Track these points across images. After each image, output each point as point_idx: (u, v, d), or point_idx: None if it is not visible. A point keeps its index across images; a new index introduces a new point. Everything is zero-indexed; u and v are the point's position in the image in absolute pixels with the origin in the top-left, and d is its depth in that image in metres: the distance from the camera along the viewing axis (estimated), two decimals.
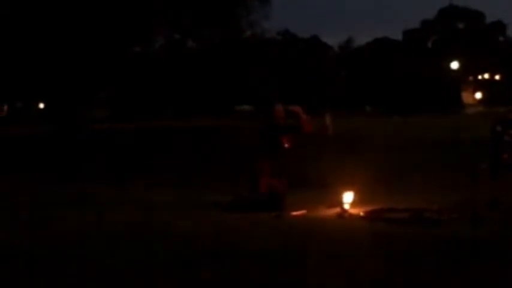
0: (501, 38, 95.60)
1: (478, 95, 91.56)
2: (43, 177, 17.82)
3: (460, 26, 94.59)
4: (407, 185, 14.15)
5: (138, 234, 9.28)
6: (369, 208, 10.63)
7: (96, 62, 33.70)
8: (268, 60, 73.58)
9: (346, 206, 10.63)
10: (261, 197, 11.33)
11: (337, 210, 10.60)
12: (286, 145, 11.75)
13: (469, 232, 8.88)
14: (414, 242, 8.38)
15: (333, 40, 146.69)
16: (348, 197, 10.70)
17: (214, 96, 70.71)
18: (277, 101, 12.56)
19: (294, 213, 10.67)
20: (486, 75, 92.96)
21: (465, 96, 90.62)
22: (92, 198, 13.12)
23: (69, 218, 10.76)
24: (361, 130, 33.65)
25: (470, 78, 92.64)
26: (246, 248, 8.18)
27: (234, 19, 37.62)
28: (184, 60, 46.82)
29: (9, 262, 7.62)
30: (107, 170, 19.48)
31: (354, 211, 10.55)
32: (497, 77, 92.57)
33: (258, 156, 11.81)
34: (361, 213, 10.41)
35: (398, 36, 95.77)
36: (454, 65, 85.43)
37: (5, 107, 64.63)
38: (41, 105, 61.50)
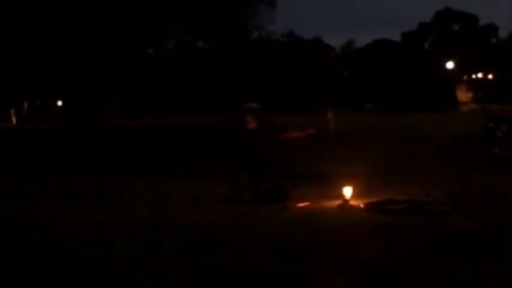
0: (494, 40, 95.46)
1: (472, 94, 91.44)
2: (61, 171, 17.85)
3: (456, 28, 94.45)
4: (405, 178, 14.12)
5: (152, 224, 9.33)
6: (368, 200, 10.63)
7: (111, 63, 33.76)
8: (269, 60, 73.59)
9: (347, 198, 10.64)
10: (265, 190, 11.31)
11: (339, 202, 10.62)
12: (261, 151, 11.53)
13: (463, 222, 8.88)
14: (411, 232, 8.38)
15: (334, 41, 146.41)
16: (348, 190, 10.71)
17: (222, 95, 70.74)
18: (247, 112, 12.20)
19: (299, 205, 10.69)
20: (480, 75, 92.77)
21: (460, 95, 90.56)
22: (108, 192, 13.15)
23: (86, 209, 10.83)
24: (361, 127, 33.62)
25: (465, 77, 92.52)
26: (253, 237, 8.22)
27: (242, 22, 37.61)
28: (194, 60, 46.95)
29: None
30: (121, 164, 19.46)
31: (354, 203, 10.55)
32: (490, 76, 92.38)
33: (236, 168, 11.65)
34: (361, 205, 10.41)
35: (397, 37, 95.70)
36: (450, 65, 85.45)
37: (25, 105, 64.73)
38: (59, 103, 61.55)
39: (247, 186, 11.28)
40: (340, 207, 10.42)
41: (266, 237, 8.18)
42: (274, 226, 8.98)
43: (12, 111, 58.34)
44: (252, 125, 11.66)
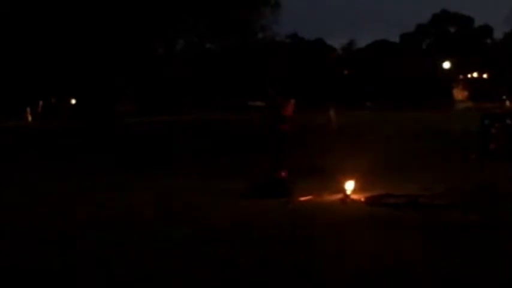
0: (488, 41, 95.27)
1: (468, 92, 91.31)
2: (74, 167, 17.87)
3: (452, 29, 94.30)
4: (405, 173, 14.09)
5: (163, 217, 9.33)
6: (369, 194, 10.62)
7: (124, 62, 33.77)
8: (272, 60, 73.54)
9: (348, 192, 10.63)
10: (271, 184, 11.30)
11: (340, 196, 10.61)
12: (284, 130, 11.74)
13: (459, 216, 8.87)
14: (410, 224, 8.36)
15: (336, 42, 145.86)
16: (350, 184, 10.70)
17: (229, 93, 70.76)
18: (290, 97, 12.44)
19: (302, 198, 10.68)
20: (475, 74, 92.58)
21: (456, 93, 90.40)
22: (121, 186, 13.16)
23: (101, 202, 10.84)
24: (361, 124, 33.57)
25: (461, 76, 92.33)
26: (258, 229, 8.21)
27: (248, 24, 37.55)
28: (203, 60, 47.02)
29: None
30: (134, 160, 19.43)
31: (355, 197, 10.55)
32: (484, 76, 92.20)
33: (272, 150, 11.77)
34: (362, 199, 10.41)
35: (395, 38, 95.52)
36: (446, 64, 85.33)
37: (40, 103, 64.73)
38: (73, 101, 61.59)
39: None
40: (342, 201, 10.42)
41: (268, 230, 8.16)
42: (277, 219, 8.97)
43: (28, 110, 58.48)
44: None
